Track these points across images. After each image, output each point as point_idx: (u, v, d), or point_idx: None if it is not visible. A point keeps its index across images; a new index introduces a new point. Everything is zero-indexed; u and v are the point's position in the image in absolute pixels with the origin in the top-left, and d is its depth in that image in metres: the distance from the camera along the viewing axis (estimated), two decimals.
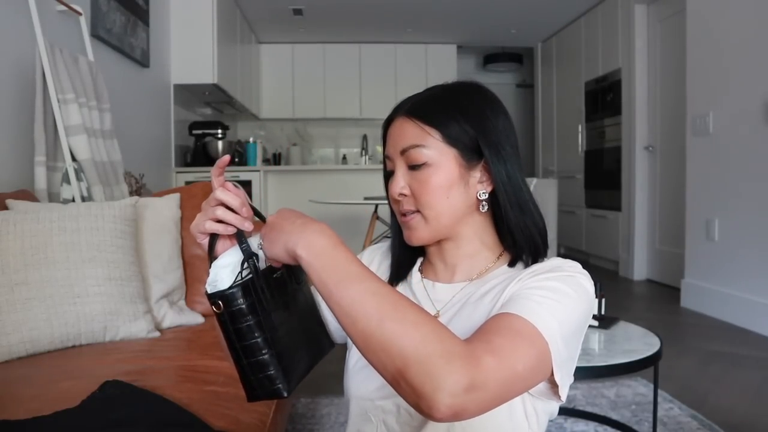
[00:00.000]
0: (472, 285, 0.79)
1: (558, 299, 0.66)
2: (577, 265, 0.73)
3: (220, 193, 0.66)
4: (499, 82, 7.49)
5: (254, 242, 0.69)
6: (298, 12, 5.49)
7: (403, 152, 0.76)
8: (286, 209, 0.67)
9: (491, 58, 7.35)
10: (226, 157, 0.68)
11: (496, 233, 0.81)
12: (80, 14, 2.65)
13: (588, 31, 5.46)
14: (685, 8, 3.63)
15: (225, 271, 0.66)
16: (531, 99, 7.18)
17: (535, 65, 6.86)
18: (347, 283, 0.59)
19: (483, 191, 0.77)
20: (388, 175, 0.81)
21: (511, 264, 0.79)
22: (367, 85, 6.63)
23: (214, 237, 0.68)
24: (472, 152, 0.76)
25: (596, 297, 1.77)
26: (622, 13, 4.76)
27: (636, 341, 1.63)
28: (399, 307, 0.57)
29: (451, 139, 0.75)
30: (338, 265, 0.60)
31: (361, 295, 0.58)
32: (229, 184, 0.68)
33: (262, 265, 0.69)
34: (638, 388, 2.27)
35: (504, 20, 5.83)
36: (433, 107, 0.77)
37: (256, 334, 0.65)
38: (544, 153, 6.62)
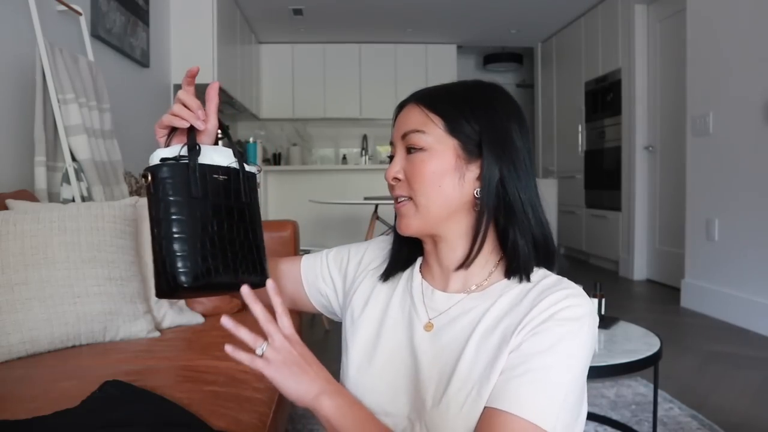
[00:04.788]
0: (469, 299, 0.77)
1: (561, 376, 0.65)
2: (580, 302, 0.69)
3: (181, 94, 0.73)
4: (499, 83, 7.41)
5: (212, 151, 0.74)
6: (298, 12, 5.49)
7: (404, 136, 0.77)
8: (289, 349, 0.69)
9: (491, 58, 7.35)
10: (195, 68, 0.74)
11: (497, 238, 0.77)
12: (80, 14, 2.65)
13: (588, 31, 5.46)
14: (685, 8, 3.63)
15: (165, 152, 0.72)
16: (531, 99, 7.18)
17: (535, 65, 6.86)
18: None
19: (478, 190, 0.75)
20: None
21: (507, 275, 0.76)
22: (367, 85, 6.63)
23: (171, 136, 0.74)
24: (473, 146, 0.75)
25: (596, 297, 1.77)
26: (622, 13, 4.76)
27: (636, 341, 1.63)
28: None
29: (453, 130, 0.75)
30: (362, 424, 0.68)
31: None
32: (191, 90, 0.75)
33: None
34: (638, 388, 2.27)
35: (504, 20, 5.83)
36: (443, 97, 0.77)
37: (173, 211, 0.69)
38: (544, 153, 6.62)
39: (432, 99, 0.77)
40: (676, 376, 2.39)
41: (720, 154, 3.34)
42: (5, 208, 1.55)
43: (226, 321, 0.67)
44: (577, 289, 0.71)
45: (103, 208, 1.52)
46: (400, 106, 0.81)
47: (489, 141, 0.75)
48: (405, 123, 0.77)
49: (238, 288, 0.71)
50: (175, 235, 0.68)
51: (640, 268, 4.65)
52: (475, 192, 0.75)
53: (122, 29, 3.22)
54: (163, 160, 0.71)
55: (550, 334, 0.66)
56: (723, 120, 3.32)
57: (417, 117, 0.76)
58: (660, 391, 2.13)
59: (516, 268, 0.75)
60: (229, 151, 0.77)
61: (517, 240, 0.74)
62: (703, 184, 3.51)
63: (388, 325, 0.81)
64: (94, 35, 2.87)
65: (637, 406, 2.10)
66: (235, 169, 0.76)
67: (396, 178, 0.77)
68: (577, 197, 5.68)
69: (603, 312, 1.78)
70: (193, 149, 0.71)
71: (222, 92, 4.83)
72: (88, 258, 1.42)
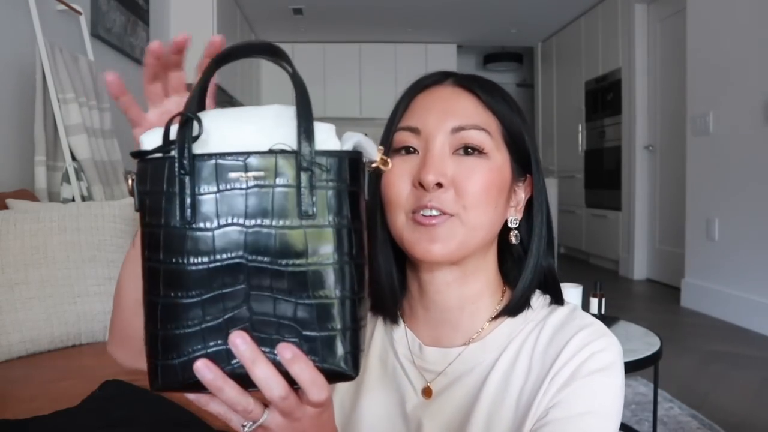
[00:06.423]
0: (468, 352, 0.60)
1: None
2: (605, 344, 0.56)
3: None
4: (499, 82, 7.25)
5: (239, 122, 0.42)
6: (298, 12, 5.49)
7: (458, 130, 0.56)
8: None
9: (491, 58, 7.35)
10: (182, 37, 0.52)
11: (499, 270, 0.63)
12: (80, 14, 2.65)
13: (588, 31, 5.46)
14: (685, 8, 3.63)
15: (148, 138, 0.43)
16: (531, 99, 7.18)
17: (535, 65, 6.86)
18: None
19: (514, 218, 0.60)
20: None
21: (513, 313, 0.60)
22: (367, 85, 6.63)
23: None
24: (519, 166, 0.60)
25: (596, 297, 1.77)
26: (622, 13, 4.76)
27: (636, 341, 1.63)
28: None
29: (510, 139, 0.58)
30: None
31: None
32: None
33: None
34: (638, 388, 2.27)
35: (504, 20, 5.83)
36: (499, 92, 0.60)
37: (147, 255, 0.38)
38: (544, 153, 6.61)
39: (488, 90, 0.59)
40: (676, 376, 2.39)
41: (720, 154, 3.34)
42: (5, 207, 1.55)
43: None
44: (596, 325, 0.57)
45: (103, 207, 1.52)
46: (425, 85, 0.61)
47: (536, 160, 0.60)
48: (457, 113, 0.57)
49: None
50: (153, 300, 0.38)
51: (640, 268, 4.65)
52: (508, 221, 0.60)
53: (122, 29, 3.22)
54: (134, 155, 0.41)
55: (578, 395, 0.54)
56: (723, 120, 3.32)
57: (475, 109, 0.58)
58: (660, 391, 2.12)
59: (520, 304, 0.60)
60: (289, 111, 0.42)
61: (528, 274, 0.60)
62: (703, 184, 3.51)
63: (369, 387, 0.62)
64: (94, 35, 2.87)
65: (637, 405, 2.10)
66: (293, 152, 0.39)
67: (439, 183, 0.54)
68: (577, 197, 5.68)
69: (603, 311, 1.78)
70: (188, 121, 0.38)
71: (222, 92, 4.82)
72: (88, 258, 1.42)
